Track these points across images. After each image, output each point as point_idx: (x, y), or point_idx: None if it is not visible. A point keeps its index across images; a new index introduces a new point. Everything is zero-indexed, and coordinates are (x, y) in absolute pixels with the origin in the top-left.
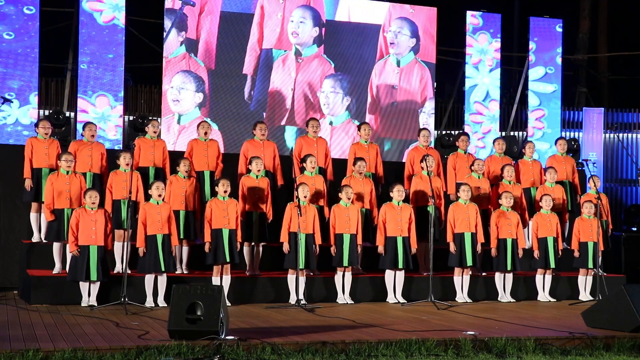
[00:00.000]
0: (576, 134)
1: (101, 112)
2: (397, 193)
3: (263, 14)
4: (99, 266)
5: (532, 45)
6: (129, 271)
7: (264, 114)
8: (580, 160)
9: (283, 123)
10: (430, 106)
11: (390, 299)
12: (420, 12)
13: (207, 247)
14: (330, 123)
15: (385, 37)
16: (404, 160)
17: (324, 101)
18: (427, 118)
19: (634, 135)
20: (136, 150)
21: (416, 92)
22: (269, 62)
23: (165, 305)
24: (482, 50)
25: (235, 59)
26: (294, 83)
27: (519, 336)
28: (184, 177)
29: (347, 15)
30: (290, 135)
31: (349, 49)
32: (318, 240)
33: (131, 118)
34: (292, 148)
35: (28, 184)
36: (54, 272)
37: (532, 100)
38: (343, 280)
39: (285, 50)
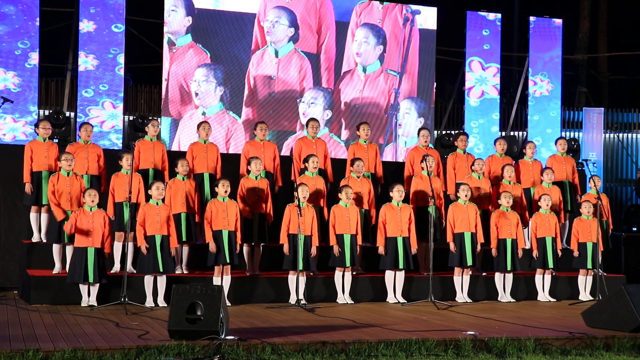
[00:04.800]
0: (576, 134)
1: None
2: (397, 193)
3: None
4: (95, 268)
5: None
6: (129, 271)
7: None
8: (580, 160)
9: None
10: (310, 96)
11: (390, 299)
12: (298, 2)
13: (211, 247)
14: (203, 113)
15: (261, 27)
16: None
17: (195, 89)
18: (306, 108)
19: (634, 135)
20: (136, 153)
21: (295, 83)
22: None
23: (165, 305)
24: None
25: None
26: (168, 74)
27: (519, 336)
28: (183, 179)
29: (220, 3)
30: (164, 127)
31: (223, 38)
32: (315, 242)
33: (131, 118)
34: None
35: (28, 188)
36: (54, 272)
37: None
38: (343, 280)
39: None
